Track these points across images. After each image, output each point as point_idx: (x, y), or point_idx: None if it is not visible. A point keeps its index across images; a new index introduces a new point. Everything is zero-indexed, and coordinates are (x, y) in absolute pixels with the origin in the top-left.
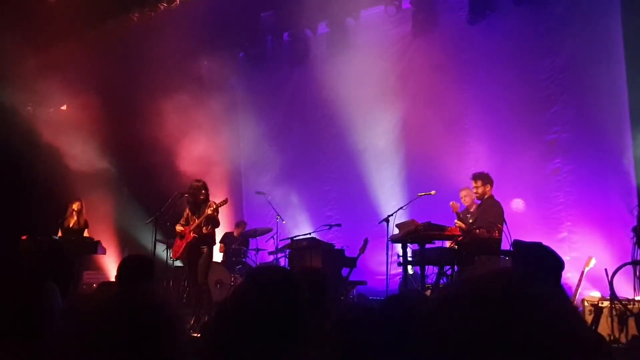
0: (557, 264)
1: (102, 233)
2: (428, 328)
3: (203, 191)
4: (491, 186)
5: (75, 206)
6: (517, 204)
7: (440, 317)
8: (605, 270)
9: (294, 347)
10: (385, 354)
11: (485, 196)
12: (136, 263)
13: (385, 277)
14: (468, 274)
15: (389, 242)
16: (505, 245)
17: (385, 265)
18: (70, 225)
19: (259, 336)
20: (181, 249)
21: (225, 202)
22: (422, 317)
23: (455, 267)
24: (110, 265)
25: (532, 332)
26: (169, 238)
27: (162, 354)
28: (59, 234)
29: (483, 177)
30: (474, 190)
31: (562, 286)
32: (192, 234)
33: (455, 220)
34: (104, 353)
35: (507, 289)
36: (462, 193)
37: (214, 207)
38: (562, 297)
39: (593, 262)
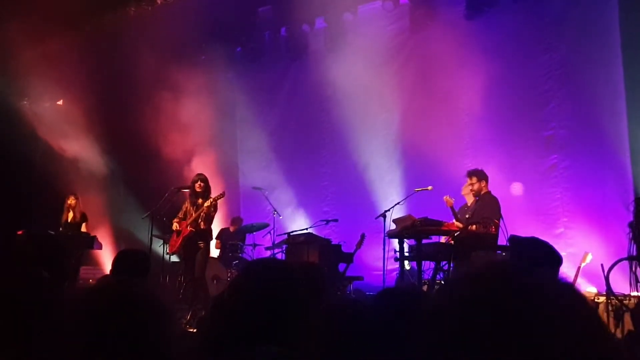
0: (555, 259)
1: (99, 228)
2: (428, 324)
3: (204, 185)
4: (486, 182)
5: (70, 201)
6: (516, 188)
7: (439, 312)
8: (602, 265)
9: (290, 341)
10: (377, 346)
11: (482, 192)
12: (131, 257)
13: (382, 272)
14: (464, 268)
15: (386, 238)
16: (502, 240)
17: (382, 260)
18: (68, 220)
19: (256, 330)
20: (178, 244)
21: (222, 195)
22: (421, 313)
23: (452, 263)
24: (106, 260)
25: (536, 324)
26: (166, 233)
27: (150, 346)
28: (60, 228)
29: (478, 174)
30: (470, 187)
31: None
32: (189, 228)
33: (454, 221)
34: (93, 345)
35: (506, 279)
36: (464, 186)
37: (212, 200)
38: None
39: (589, 257)
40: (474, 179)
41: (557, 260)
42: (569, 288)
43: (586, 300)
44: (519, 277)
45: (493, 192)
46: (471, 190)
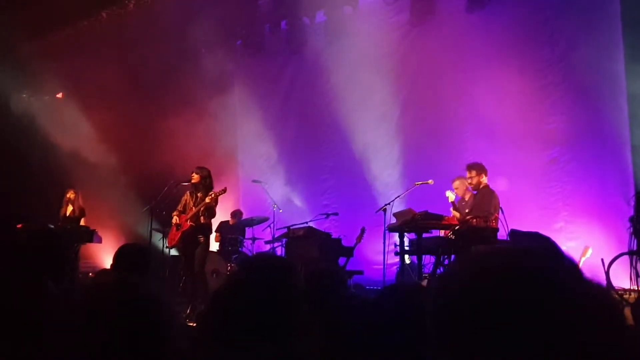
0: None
1: (99, 222)
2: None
3: (200, 177)
4: (486, 175)
5: (69, 194)
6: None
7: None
8: (602, 260)
9: (289, 336)
10: (380, 343)
11: (481, 186)
12: (132, 252)
13: (382, 266)
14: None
15: (386, 231)
16: (502, 234)
17: (383, 254)
18: (67, 214)
19: (254, 324)
20: (177, 238)
21: (224, 191)
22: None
23: (452, 257)
24: (106, 254)
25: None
26: (165, 227)
27: (152, 344)
28: (59, 222)
29: (477, 167)
30: (469, 181)
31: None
32: (188, 223)
33: (451, 209)
34: (94, 343)
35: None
36: (455, 183)
37: (213, 196)
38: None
39: (590, 252)
40: (473, 173)
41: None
42: (578, 273)
43: (601, 285)
44: (526, 265)
45: (493, 186)
46: (470, 183)
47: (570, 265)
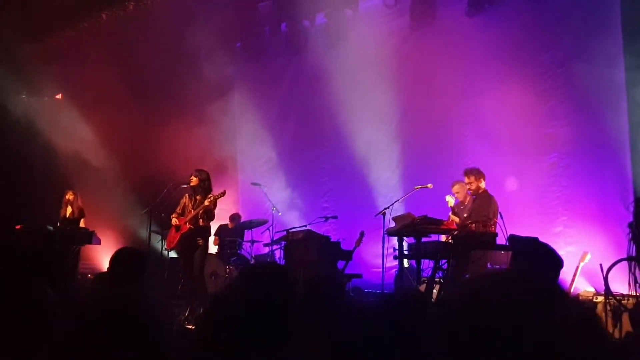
0: (557, 262)
1: (98, 223)
2: (439, 330)
3: (199, 180)
4: (484, 180)
5: (68, 196)
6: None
7: (449, 319)
8: (601, 265)
9: (287, 342)
10: (379, 353)
11: (480, 191)
12: (128, 257)
13: (381, 270)
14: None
15: (385, 235)
16: (501, 239)
17: (381, 258)
18: (66, 215)
19: (252, 330)
20: (176, 240)
21: (223, 194)
22: (432, 320)
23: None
24: (105, 255)
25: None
26: (164, 229)
27: (143, 351)
28: (58, 224)
29: (475, 172)
30: (468, 186)
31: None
32: (187, 225)
33: (450, 214)
34: (89, 349)
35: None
36: (455, 187)
37: (212, 199)
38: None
39: (588, 257)
40: (472, 178)
41: (558, 262)
42: (567, 297)
43: (586, 308)
44: (517, 290)
45: (492, 191)
46: (469, 188)
47: (560, 291)
